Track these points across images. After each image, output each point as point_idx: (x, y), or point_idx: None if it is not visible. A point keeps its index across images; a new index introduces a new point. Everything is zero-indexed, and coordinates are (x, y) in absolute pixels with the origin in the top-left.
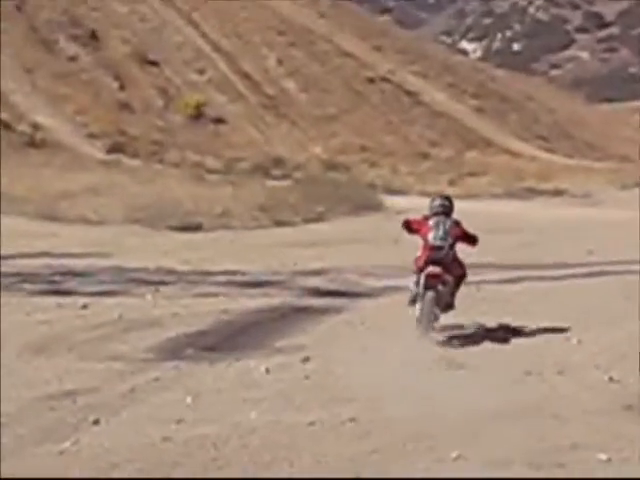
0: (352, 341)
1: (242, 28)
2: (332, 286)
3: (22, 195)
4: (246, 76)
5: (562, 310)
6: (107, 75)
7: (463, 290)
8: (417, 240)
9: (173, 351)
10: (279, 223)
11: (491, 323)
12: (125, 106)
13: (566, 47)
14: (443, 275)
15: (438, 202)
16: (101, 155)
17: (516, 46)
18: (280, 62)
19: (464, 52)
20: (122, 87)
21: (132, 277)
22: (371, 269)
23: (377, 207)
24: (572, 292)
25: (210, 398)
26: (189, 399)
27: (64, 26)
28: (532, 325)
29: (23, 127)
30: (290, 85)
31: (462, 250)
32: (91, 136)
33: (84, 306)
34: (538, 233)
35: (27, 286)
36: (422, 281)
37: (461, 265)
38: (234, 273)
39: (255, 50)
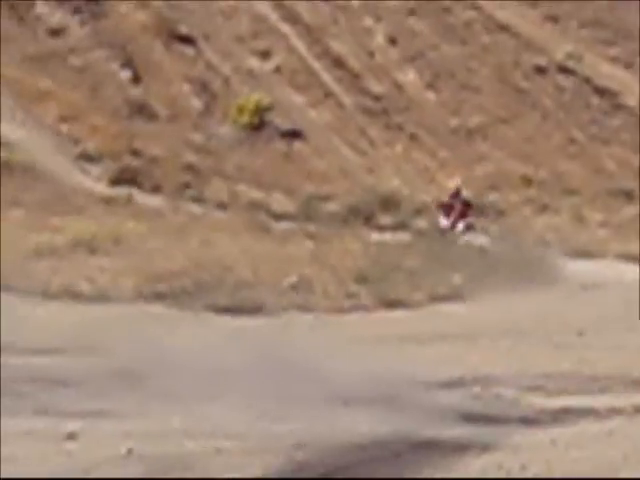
0: None
1: None
2: (475, 407)
3: None
4: (338, 62)
5: None
6: (112, 58)
7: None
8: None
9: None
10: (389, 302)
11: None
12: (141, 109)
13: None
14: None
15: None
16: (101, 188)
17: None
18: (393, 40)
19: None
20: (136, 79)
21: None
22: (539, 380)
23: (549, 278)
24: None
25: None
26: None
27: None
28: None
29: None
30: (409, 77)
31: None
32: (85, 157)
33: (70, 436)
34: None
35: None
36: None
37: None
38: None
39: (353, 20)
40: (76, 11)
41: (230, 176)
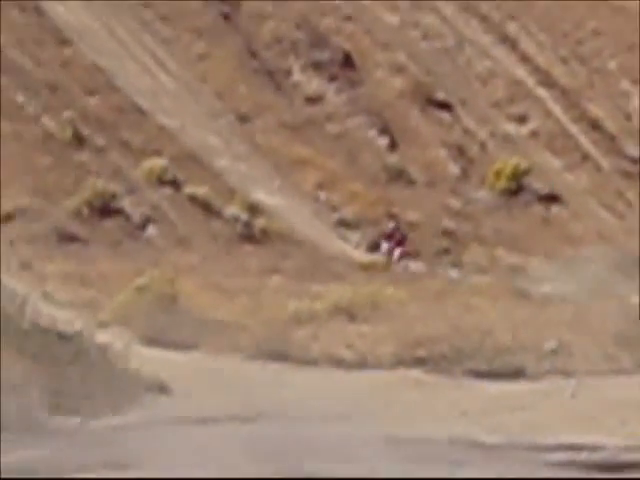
0: None
1: (590, 47)
2: None
3: (233, 321)
4: (595, 126)
5: None
6: (369, 125)
7: None
8: None
9: None
10: None
11: None
12: (398, 175)
13: None
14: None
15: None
16: (360, 254)
17: None
18: None
19: None
20: (393, 145)
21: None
22: None
23: None
24: None
25: None
26: None
27: (300, 47)
28: None
29: (234, 210)
30: None
31: None
32: (344, 224)
33: None
34: None
35: None
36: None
37: None
38: (578, 448)
39: (609, 83)
40: (332, 79)
41: (488, 241)
